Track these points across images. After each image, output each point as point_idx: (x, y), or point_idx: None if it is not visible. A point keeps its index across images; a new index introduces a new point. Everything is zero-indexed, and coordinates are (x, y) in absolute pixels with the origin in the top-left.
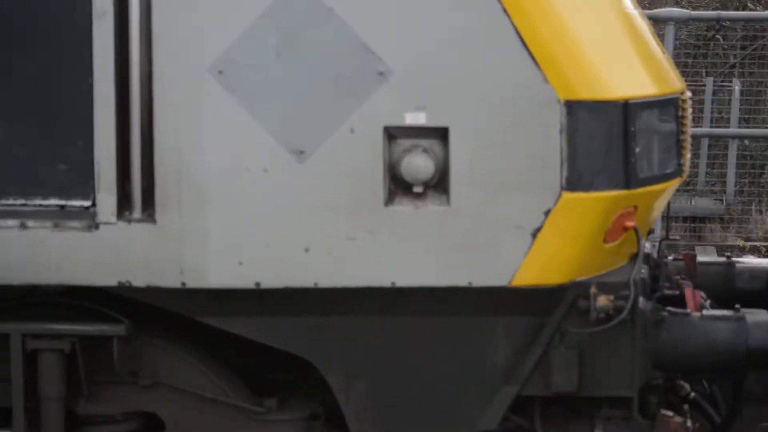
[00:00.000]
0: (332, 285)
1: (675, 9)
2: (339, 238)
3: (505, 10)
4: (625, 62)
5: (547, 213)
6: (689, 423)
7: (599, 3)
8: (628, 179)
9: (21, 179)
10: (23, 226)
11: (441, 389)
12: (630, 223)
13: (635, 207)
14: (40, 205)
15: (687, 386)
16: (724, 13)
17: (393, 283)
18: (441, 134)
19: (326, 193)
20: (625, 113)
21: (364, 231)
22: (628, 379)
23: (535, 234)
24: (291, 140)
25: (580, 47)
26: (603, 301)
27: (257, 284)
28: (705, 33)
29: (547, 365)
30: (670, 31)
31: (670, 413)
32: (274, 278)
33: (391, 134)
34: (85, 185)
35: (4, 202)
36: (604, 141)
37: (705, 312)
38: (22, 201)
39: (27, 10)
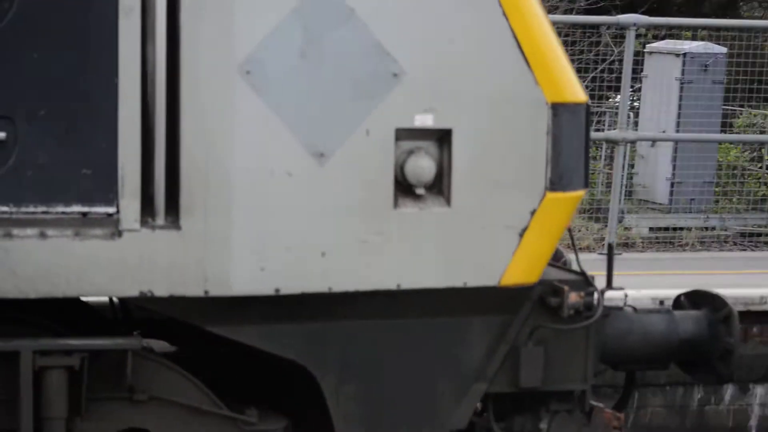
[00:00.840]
0: (344, 289)
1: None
2: (352, 242)
3: (504, 13)
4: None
5: (532, 213)
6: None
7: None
8: (587, 179)
9: (41, 185)
10: (43, 236)
11: (421, 389)
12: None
13: None
14: (62, 213)
15: None
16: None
17: (398, 286)
18: (442, 136)
19: (342, 195)
20: (587, 116)
21: (374, 234)
22: (583, 372)
23: (522, 234)
24: (313, 142)
25: (558, 51)
26: (574, 298)
27: (276, 290)
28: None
29: (514, 362)
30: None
31: (601, 405)
32: (292, 284)
33: (397, 136)
34: (108, 191)
35: (24, 209)
36: (577, 142)
37: (639, 307)
38: (43, 208)
39: (50, 8)
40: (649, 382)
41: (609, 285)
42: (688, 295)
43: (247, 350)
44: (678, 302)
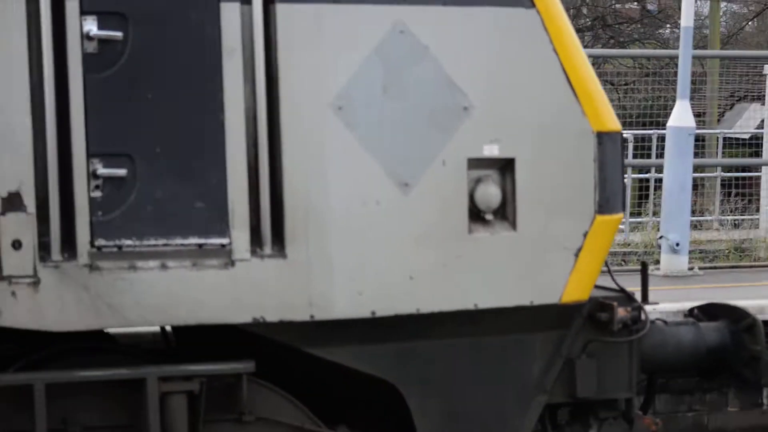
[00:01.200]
0: (431, 310)
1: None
2: (435, 266)
3: (554, 50)
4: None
5: (585, 234)
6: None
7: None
8: (624, 202)
9: (161, 219)
10: (164, 267)
11: (493, 402)
12: None
13: None
14: (181, 245)
15: None
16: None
17: (476, 306)
18: (505, 164)
19: (425, 222)
20: (622, 143)
21: (454, 257)
22: (628, 381)
23: (577, 254)
24: (398, 173)
25: (598, 84)
26: (622, 313)
27: (373, 313)
28: None
29: (569, 374)
30: None
31: (640, 412)
32: (386, 306)
33: (468, 165)
34: (221, 223)
35: (145, 242)
36: (617, 168)
37: (668, 319)
38: (164, 241)
39: (161, 50)
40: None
41: (645, 299)
42: (702, 308)
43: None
44: (691, 314)
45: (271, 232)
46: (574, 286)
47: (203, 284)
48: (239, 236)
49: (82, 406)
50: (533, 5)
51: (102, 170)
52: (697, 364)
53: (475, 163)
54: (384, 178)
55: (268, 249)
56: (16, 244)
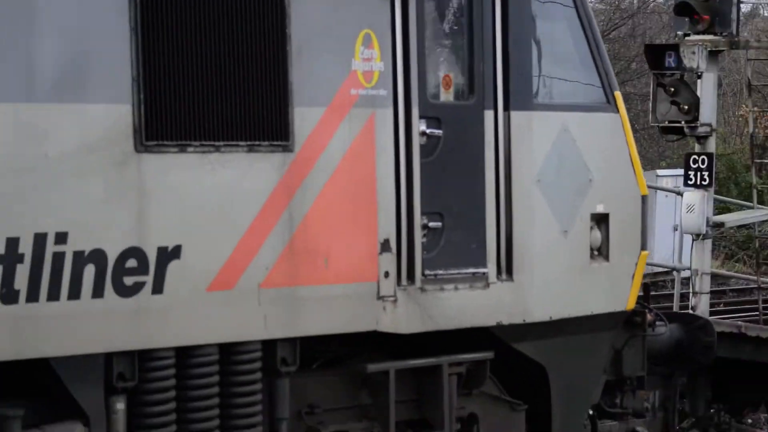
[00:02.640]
0: (573, 315)
1: None
2: (578, 285)
3: (626, 139)
4: None
5: (636, 264)
6: None
7: None
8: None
9: (456, 256)
10: (456, 289)
11: (587, 379)
12: None
13: None
14: (464, 273)
15: None
16: None
17: (592, 312)
18: (602, 218)
19: (574, 257)
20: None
21: (582, 280)
22: (642, 364)
23: (632, 277)
24: (563, 223)
25: (639, 161)
26: (650, 317)
27: (550, 317)
28: None
29: (617, 360)
30: None
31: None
32: (557, 313)
33: (590, 218)
34: (483, 258)
35: (449, 272)
36: (647, 220)
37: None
38: (456, 271)
39: (458, 143)
40: None
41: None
42: (664, 314)
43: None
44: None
45: (506, 264)
46: (631, 299)
47: (474, 299)
48: (492, 267)
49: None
50: (617, 111)
51: (428, 223)
52: (671, 354)
53: (591, 217)
54: (557, 227)
55: (504, 275)
56: (386, 275)
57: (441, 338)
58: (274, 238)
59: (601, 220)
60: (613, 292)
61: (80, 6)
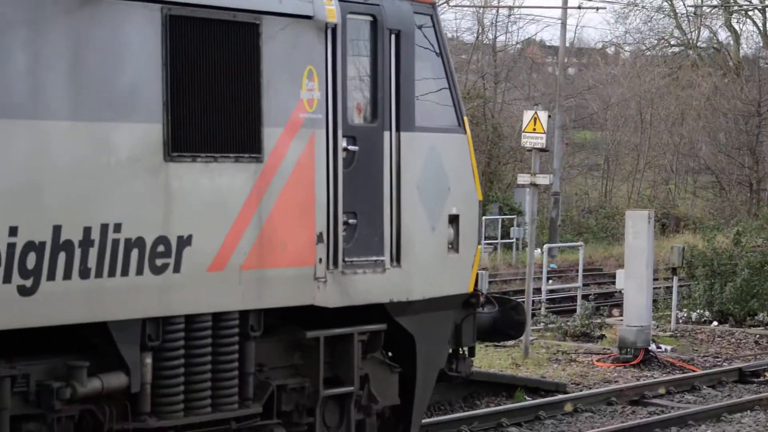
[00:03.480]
0: (438, 295)
1: None
2: (442, 273)
3: (470, 156)
4: None
5: (474, 256)
6: None
7: None
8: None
9: (364, 247)
10: (364, 272)
11: (440, 350)
12: None
13: None
14: (370, 260)
15: None
16: None
17: (448, 293)
18: (455, 218)
19: (438, 248)
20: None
21: (442, 266)
22: (473, 336)
23: (472, 266)
24: (432, 222)
25: (477, 174)
26: (482, 299)
27: (423, 296)
28: None
29: (456, 332)
30: None
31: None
32: (429, 292)
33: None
34: (381, 249)
35: (359, 259)
36: (480, 222)
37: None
38: (364, 258)
39: (367, 156)
40: None
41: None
42: (486, 297)
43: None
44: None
45: (396, 254)
46: (471, 284)
47: (375, 281)
48: (387, 256)
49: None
50: (465, 132)
51: (348, 220)
52: (487, 328)
53: (448, 218)
54: (428, 224)
55: (395, 263)
56: (320, 260)
57: (332, 313)
58: (250, 230)
59: (453, 220)
60: (460, 278)
61: (130, 52)
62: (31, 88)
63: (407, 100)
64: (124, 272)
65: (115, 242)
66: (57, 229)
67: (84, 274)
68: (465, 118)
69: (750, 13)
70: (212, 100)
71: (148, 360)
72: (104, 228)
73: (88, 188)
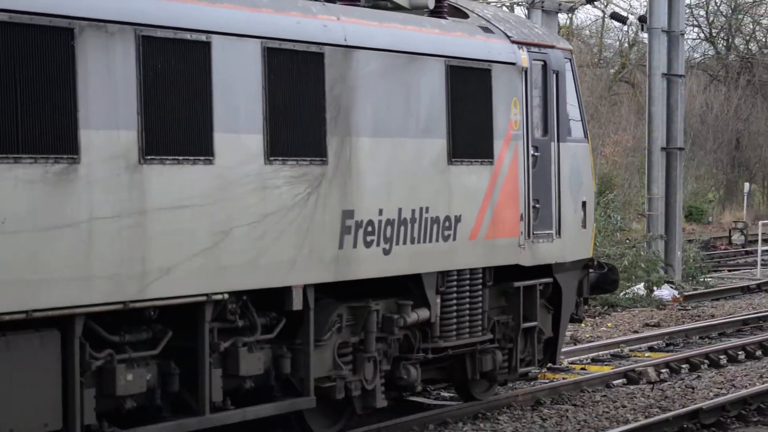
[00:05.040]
0: (575, 258)
1: None
2: (578, 242)
3: (590, 158)
4: None
5: (592, 232)
6: None
7: None
8: None
9: (543, 223)
10: (543, 242)
11: (574, 297)
12: None
13: None
14: (545, 233)
15: None
16: None
17: (582, 257)
18: (584, 205)
19: (576, 224)
20: None
21: (578, 238)
22: (588, 288)
23: (591, 240)
24: (574, 207)
25: None
26: (594, 263)
27: (572, 259)
28: None
29: (580, 285)
30: None
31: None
32: (573, 256)
33: None
34: (551, 226)
35: (540, 232)
36: (592, 206)
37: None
38: (545, 232)
39: (543, 160)
40: None
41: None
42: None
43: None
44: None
45: (558, 229)
46: (591, 251)
47: (548, 248)
48: (554, 230)
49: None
50: (588, 142)
51: (535, 205)
52: (593, 284)
53: (581, 204)
54: (573, 207)
55: (558, 235)
56: (521, 233)
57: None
58: (488, 212)
59: (583, 206)
60: (585, 246)
61: (426, 92)
62: (404, 118)
63: (563, 120)
64: (430, 240)
65: (426, 220)
66: (399, 211)
67: (412, 241)
68: (588, 131)
69: None
70: (471, 124)
71: (438, 300)
72: (421, 210)
73: (412, 183)
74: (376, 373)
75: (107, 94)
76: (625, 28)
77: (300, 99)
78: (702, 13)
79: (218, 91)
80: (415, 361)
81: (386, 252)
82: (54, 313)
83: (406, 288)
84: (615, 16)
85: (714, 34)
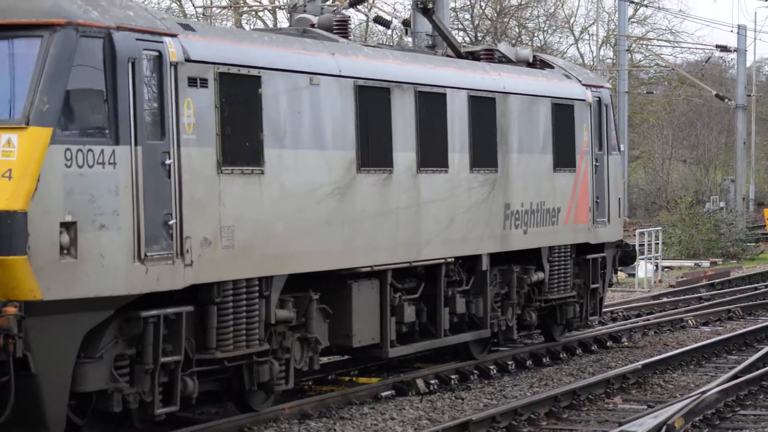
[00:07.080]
0: (613, 240)
1: None
2: (616, 227)
3: (622, 167)
4: None
5: (622, 220)
6: None
7: None
8: None
9: (600, 213)
10: (601, 226)
11: (609, 267)
12: None
13: None
14: (602, 219)
15: None
16: None
17: (617, 239)
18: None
19: (614, 213)
20: None
21: (617, 224)
22: (618, 263)
23: (621, 226)
24: (615, 198)
25: None
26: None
27: (616, 240)
28: None
29: (614, 260)
30: None
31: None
32: (614, 238)
33: None
34: (606, 213)
35: (599, 219)
36: (624, 203)
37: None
38: (600, 219)
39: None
40: None
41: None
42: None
43: None
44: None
45: (608, 217)
46: (621, 234)
47: (603, 231)
48: (606, 218)
49: None
50: (620, 152)
51: (596, 199)
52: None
53: (616, 201)
54: (615, 201)
55: (608, 222)
56: (590, 220)
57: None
58: (573, 204)
59: (618, 202)
60: (618, 230)
61: (540, 119)
62: (531, 140)
63: (610, 137)
64: (545, 224)
65: (543, 210)
66: (531, 204)
67: (536, 224)
68: (621, 144)
69: None
70: (564, 143)
71: (548, 266)
72: (539, 203)
73: (536, 185)
74: (513, 313)
75: (406, 130)
76: (389, 32)
77: (485, 128)
78: (468, 16)
79: (450, 126)
80: (534, 308)
81: (525, 232)
82: (380, 267)
83: (527, 258)
84: (379, 20)
85: (480, 38)
